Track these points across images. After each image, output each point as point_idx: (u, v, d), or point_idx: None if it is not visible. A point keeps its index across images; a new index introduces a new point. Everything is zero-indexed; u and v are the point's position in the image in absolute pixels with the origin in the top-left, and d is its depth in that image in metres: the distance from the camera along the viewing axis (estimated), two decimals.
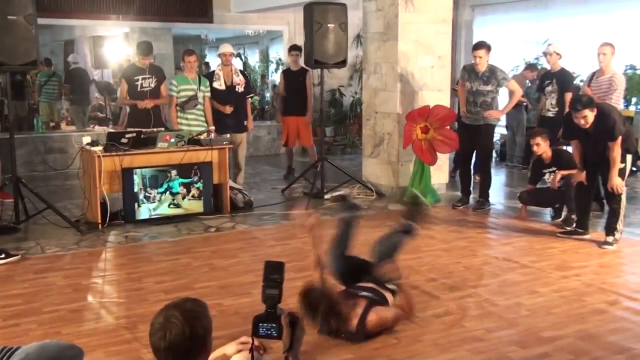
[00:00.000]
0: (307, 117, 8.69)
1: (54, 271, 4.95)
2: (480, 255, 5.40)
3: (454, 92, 8.17)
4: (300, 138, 8.83)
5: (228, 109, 7.57)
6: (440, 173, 7.75)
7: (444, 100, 7.63)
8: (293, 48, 8.85)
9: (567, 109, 6.35)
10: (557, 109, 7.53)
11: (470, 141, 7.02)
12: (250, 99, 7.99)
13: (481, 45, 6.83)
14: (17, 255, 5.26)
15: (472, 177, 7.59)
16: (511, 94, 7.09)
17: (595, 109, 5.32)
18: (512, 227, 6.29)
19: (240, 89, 7.73)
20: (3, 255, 5.15)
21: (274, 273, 2.21)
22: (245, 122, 7.87)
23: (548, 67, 8.15)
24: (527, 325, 3.90)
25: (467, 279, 4.76)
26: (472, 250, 5.55)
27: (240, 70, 8.03)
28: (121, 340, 3.70)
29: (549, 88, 7.63)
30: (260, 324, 2.15)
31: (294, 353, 2.14)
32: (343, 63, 7.65)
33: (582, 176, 5.73)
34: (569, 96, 7.16)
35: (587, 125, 5.34)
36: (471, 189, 7.34)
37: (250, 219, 6.67)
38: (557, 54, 7.61)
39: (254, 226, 6.42)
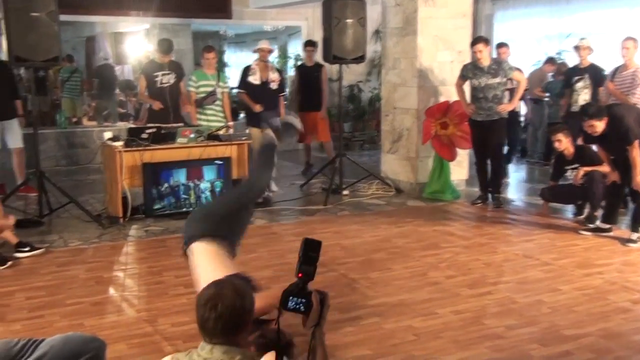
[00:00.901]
0: (322, 112, 8.66)
1: (77, 264, 5.01)
2: (500, 252, 5.37)
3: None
4: (317, 134, 8.81)
5: (258, 108, 7.53)
6: (459, 169, 7.71)
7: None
8: (308, 44, 8.85)
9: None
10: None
11: (485, 137, 6.95)
12: (282, 97, 7.98)
13: (478, 40, 6.81)
14: (41, 248, 5.34)
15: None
16: (518, 84, 7.06)
17: (604, 118, 5.30)
18: (533, 224, 6.24)
19: (274, 85, 7.71)
20: (28, 248, 5.23)
21: (312, 250, 2.25)
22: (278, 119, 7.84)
23: (568, 62, 8.09)
24: (548, 323, 3.87)
25: (487, 276, 4.74)
26: (492, 247, 5.51)
27: (277, 68, 8.01)
28: (142, 333, 3.74)
29: (579, 84, 7.55)
30: (291, 298, 2.18)
31: (320, 330, 2.18)
32: (362, 58, 7.63)
33: (615, 175, 5.69)
34: (602, 91, 7.17)
35: (597, 134, 5.36)
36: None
37: (269, 214, 6.70)
38: (590, 48, 7.53)
39: (272, 221, 6.44)
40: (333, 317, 3.88)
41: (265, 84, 7.64)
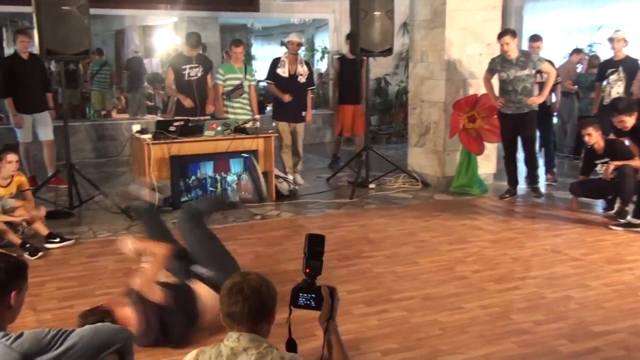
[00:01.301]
0: (361, 106, 8.53)
1: (106, 255, 5.07)
2: (528, 246, 5.31)
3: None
4: (354, 127, 8.75)
5: (287, 98, 7.53)
6: (487, 163, 7.64)
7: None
8: (350, 36, 8.76)
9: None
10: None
11: (515, 131, 6.87)
12: (311, 91, 7.96)
13: (505, 33, 6.71)
14: (71, 239, 5.42)
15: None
16: (547, 76, 6.94)
17: (635, 113, 5.20)
18: (562, 219, 6.16)
19: (302, 79, 7.69)
20: (58, 240, 5.32)
21: (316, 245, 2.25)
22: (303, 113, 7.82)
23: (600, 54, 7.94)
24: (577, 319, 3.82)
25: (515, 271, 4.69)
26: (519, 241, 5.46)
27: (306, 62, 8.00)
28: None
29: (613, 76, 7.43)
30: (300, 294, 2.20)
31: (333, 323, 2.19)
32: (389, 51, 7.57)
33: None
34: (636, 83, 7.04)
35: (627, 129, 5.26)
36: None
37: (295, 207, 6.71)
38: (624, 40, 7.39)
39: (298, 214, 6.46)
40: (359, 310, 3.89)
41: (293, 77, 7.64)
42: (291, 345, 2.21)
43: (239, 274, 2.22)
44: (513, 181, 7.09)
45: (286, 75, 7.60)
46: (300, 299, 2.20)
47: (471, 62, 7.44)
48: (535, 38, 7.79)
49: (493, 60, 6.87)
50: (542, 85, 7.12)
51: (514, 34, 6.75)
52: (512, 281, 4.47)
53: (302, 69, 7.70)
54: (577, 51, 9.51)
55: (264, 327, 2.15)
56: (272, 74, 7.63)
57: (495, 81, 6.95)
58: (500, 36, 6.72)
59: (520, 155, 7.25)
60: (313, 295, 2.20)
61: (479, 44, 7.44)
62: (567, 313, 3.91)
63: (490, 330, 3.67)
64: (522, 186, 7.27)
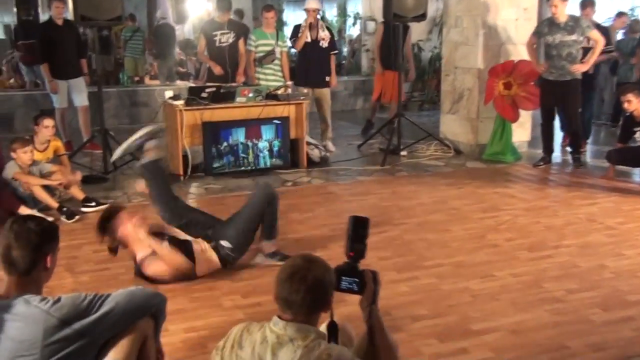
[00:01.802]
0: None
1: None
2: (562, 215, 5.24)
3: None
4: (394, 93, 8.64)
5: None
6: (521, 130, 7.52)
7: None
8: None
9: None
10: None
11: (555, 98, 6.72)
12: (334, 55, 7.89)
13: None
14: (106, 203, 5.50)
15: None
16: (594, 43, 6.71)
17: None
18: (598, 187, 6.05)
19: (324, 44, 7.62)
20: (94, 204, 5.41)
21: (360, 228, 2.16)
22: (327, 78, 7.73)
23: None
24: (610, 288, 3.77)
25: (548, 239, 4.64)
26: (553, 210, 5.38)
27: (327, 26, 7.92)
28: (203, 288, 3.84)
29: None
30: (343, 277, 2.13)
31: (376, 308, 2.14)
32: (423, 17, 7.44)
33: None
34: None
35: None
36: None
37: (326, 174, 6.72)
38: None
39: (329, 181, 6.46)
40: (389, 276, 3.90)
41: (315, 42, 7.58)
42: (332, 328, 2.13)
43: (303, 258, 2.09)
44: (548, 149, 6.97)
45: (308, 40, 7.55)
46: (343, 283, 2.13)
47: (507, 27, 7.27)
48: (586, 4, 7.49)
49: (541, 22, 6.73)
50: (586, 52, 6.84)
51: None
52: (545, 249, 4.43)
53: (324, 34, 7.63)
54: (620, 14, 9.18)
55: (318, 317, 2.09)
56: (294, 41, 7.57)
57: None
58: None
59: (557, 123, 7.11)
60: (356, 280, 2.12)
61: (516, 9, 7.26)
62: (601, 282, 3.87)
63: (522, 298, 3.65)
64: (556, 154, 7.15)
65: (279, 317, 2.05)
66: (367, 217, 2.18)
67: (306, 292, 1.99)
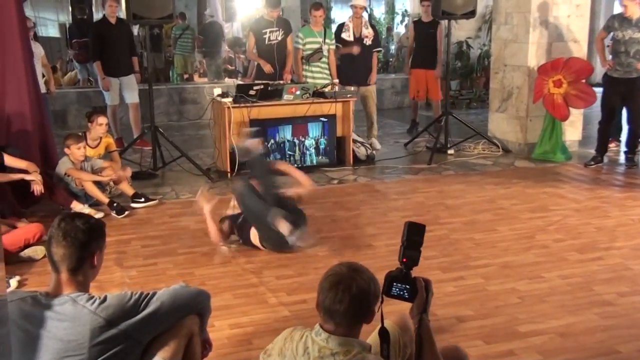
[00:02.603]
0: (437, 71, 8.42)
1: (187, 216, 5.24)
2: (613, 216, 5.11)
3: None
4: (428, 92, 8.62)
5: (355, 50, 7.48)
6: (572, 129, 7.35)
7: (581, 52, 7.17)
8: None
9: None
10: None
11: (620, 96, 6.53)
12: (377, 53, 7.87)
13: None
14: (155, 199, 5.63)
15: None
16: None
17: None
18: None
19: (368, 41, 7.63)
20: (143, 199, 5.53)
21: (416, 234, 2.12)
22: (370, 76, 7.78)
23: None
24: None
25: (598, 241, 4.53)
26: (604, 210, 5.25)
27: (371, 24, 7.90)
28: (248, 284, 3.88)
29: None
30: (394, 284, 2.09)
31: (426, 317, 2.10)
32: (472, 14, 7.34)
33: None
34: None
35: None
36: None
37: (372, 172, 6.70)
38: None
39: (375, 179, 6.45)
40: (435, 276, 3.87)
41: (359, 40, 7.57)
42: (384, 334, 2.11)
43: (348, 266, 2.05)
44: (602, 149, 6.79)
45: (351, 39, 7.56)
46: (394, 289, 2.09)
47: (559, 24, 7.12)
48: None
49: (612, 17, 6.60)
50: None
51: None
52: (595, 251, 4.33)
53: (367, 31, 7.62)
54: None
55: (360, 327, 2.05)
56: (338, 39, 7.58)
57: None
58: None
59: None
60: (407, 287, 2.09)
61: (568, 5, 7.10)
62: None
63: (571, 301, 3.58)
64: (608, 154, 6.96)
65: (321, 326, 2.03)
66: (423, 224, 2.14)
67: (350, 302, 1.96)
